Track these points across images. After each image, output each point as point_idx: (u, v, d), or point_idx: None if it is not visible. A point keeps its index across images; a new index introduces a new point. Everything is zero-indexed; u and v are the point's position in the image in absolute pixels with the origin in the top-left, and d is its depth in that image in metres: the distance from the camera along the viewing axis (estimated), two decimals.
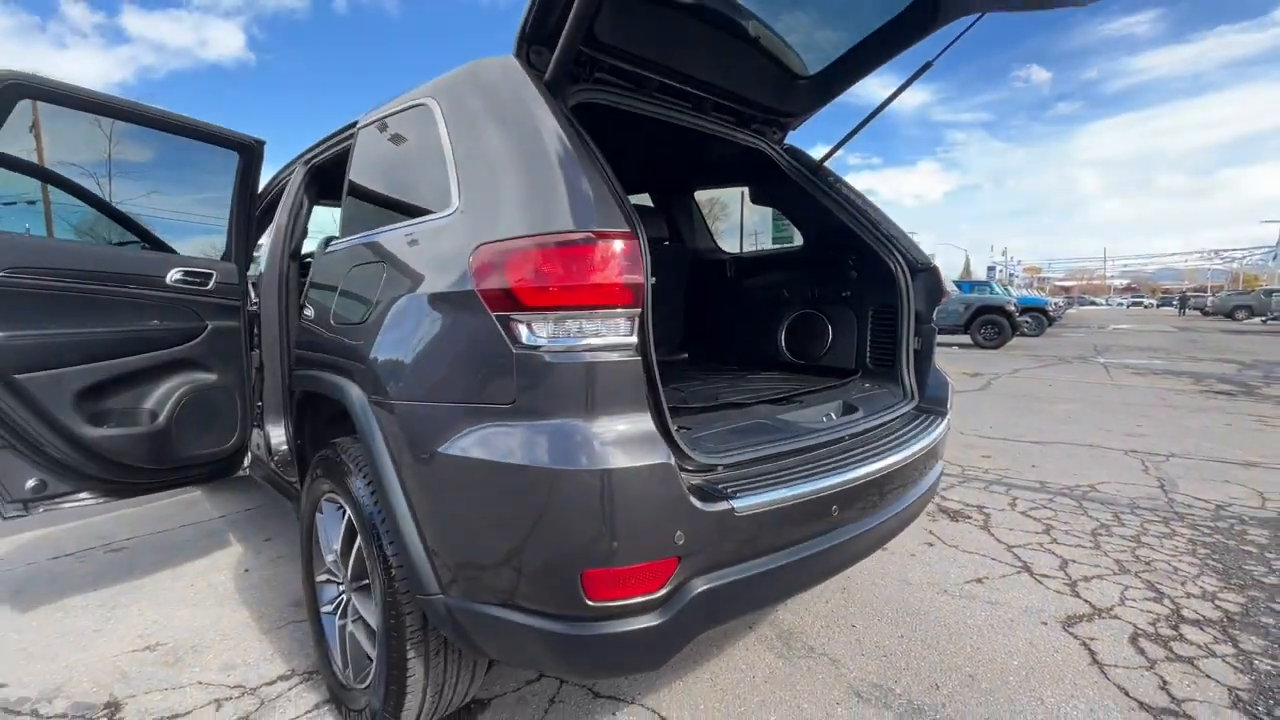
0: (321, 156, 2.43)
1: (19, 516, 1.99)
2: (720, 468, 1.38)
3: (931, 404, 2.11)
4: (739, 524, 1.25)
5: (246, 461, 2.59)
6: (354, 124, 2.16)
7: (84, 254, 2.04)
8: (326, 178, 2.64)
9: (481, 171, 1.42)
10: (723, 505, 1.23)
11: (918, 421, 1.96)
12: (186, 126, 2.19)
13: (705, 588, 1.23)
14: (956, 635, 2.15)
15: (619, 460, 1.14)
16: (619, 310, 1.19)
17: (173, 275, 2.22)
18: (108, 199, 2.30)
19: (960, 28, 1.94)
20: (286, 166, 2.87)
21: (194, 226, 2.69)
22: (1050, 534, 3.05)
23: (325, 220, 3.60)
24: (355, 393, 1.54)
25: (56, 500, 2.07)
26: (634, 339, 1.21)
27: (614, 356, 1.19)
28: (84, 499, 2.13)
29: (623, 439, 1.17)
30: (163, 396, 2.21)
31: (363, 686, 1.63)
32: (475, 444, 1.23)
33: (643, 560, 1.15)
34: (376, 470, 1.45)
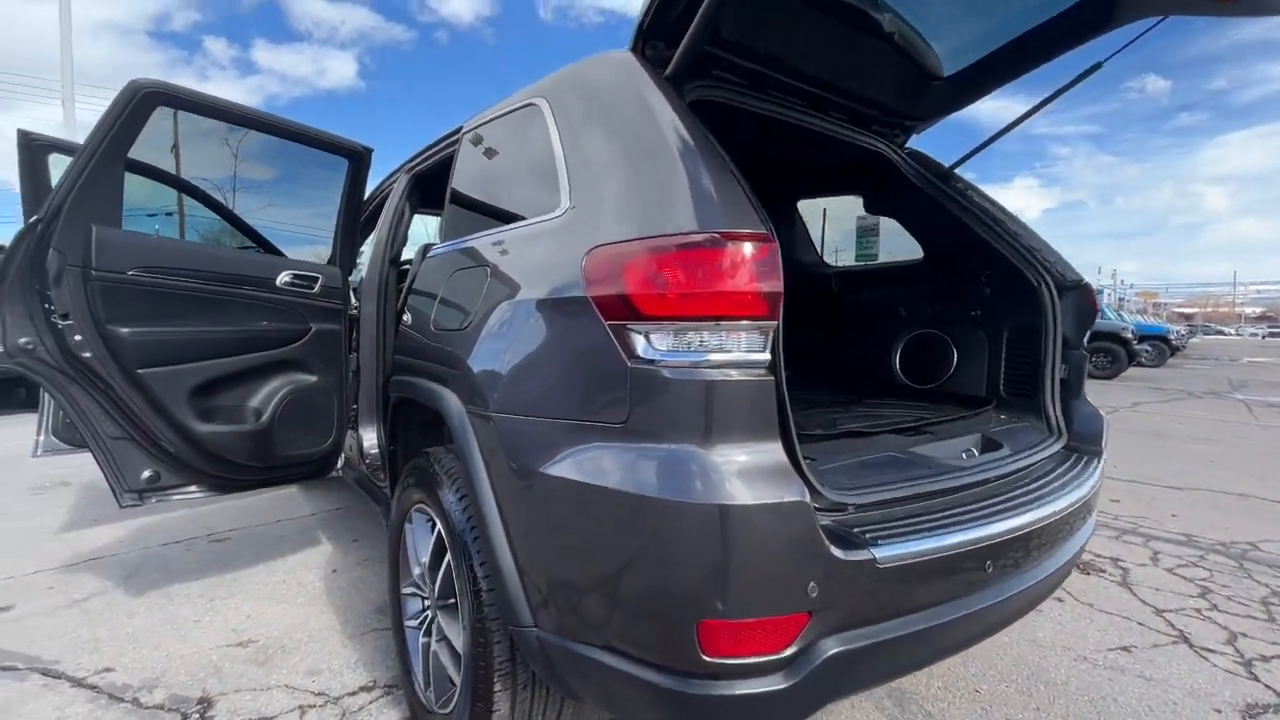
0: (425, 164, 2.45)
1: (134, 506, 2.06)
2: (851, 507, 1.20)
3: (1082, 442, 1.83)
4: (881, 577, 1.06)
5: (340, 463, 2.62)
6: (459, 130, 2.15)
7: (206, 255, 2.11)
8: (428, 186, 2.65)
9: (595, 170, 1.32)
10: (862, 554, 1.05)
11: (1071, 463, 1.69)
12: (304, 134, 2.25)
13: (838, 650, 1.05)
14: (1106, 716, 1.84)
15: (747, 494, 0.99)
16: (749, 322, 1.05)
17: (283, 278, 2.27)
18: (229, 208, 2.40)
19: (1137, 30, 1.67)
20: (389, 176, 2.93)
21: (301, 236, 2.79)
22: (1207, 598, 2.62)
23: (418, 231, 3.65)
24: (453, 402, 1.47)
25: (168, 492, 2.14)
26: (765, 356, 1.06)
27: (742, 375, 1.04)
28: (193, 492, 2.19)
29: (750, 469, 1.02)
30: (267, 396, 2.25)
31: (444, 712, 1.54)
32: (581, 465, 1.11)
33: (770, 613, 1.00)
34: (471, 485, 1.37)
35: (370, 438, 2.67)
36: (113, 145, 1.82)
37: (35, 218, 1.76)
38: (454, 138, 2.17)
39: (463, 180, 1.98)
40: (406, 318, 1.99)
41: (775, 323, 1.06)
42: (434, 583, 1.63)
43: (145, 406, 1.99)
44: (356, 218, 2.49)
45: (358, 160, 2.42)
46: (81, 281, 1.82)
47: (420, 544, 1.75)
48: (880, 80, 1.97)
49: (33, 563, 2.77)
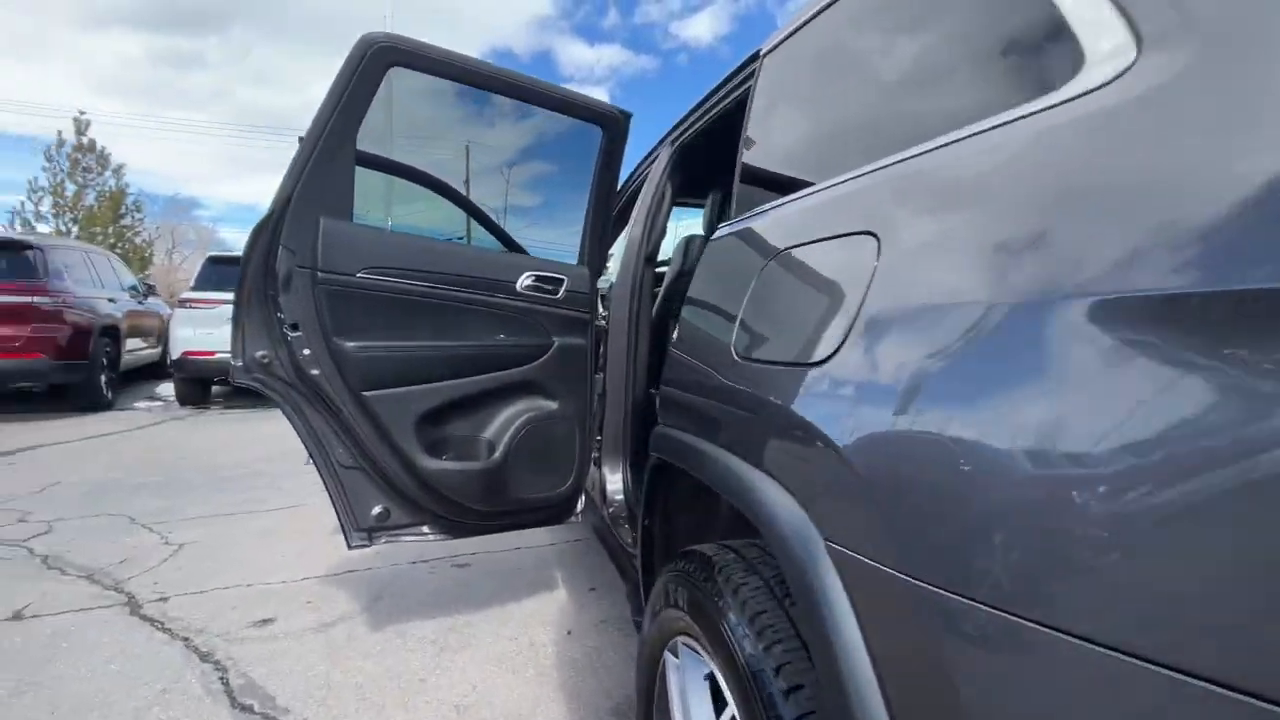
0: (700, 124, 1.82)
1: (361, 546, 1.77)
2: None
3: None
4: None
5: (579, 507, 2.13)
6: (753, 58, 1.46)
7: (443, 252, 1.75)
8: (697, 161, 2.03)
9: None
10: None
11: None
12: (552, 96, 1.78)
13: None
14: None
15: None
16: None
17: (524, 281, 1.83)
18: (461, 192, 2.05)
19: None
20: (646, 157, 2.40)
21: (538, 230, 2.38)
22: None
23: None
24: (786, 512, 0.76)
25: (398, 532, 1.83)
26: None
27: None
28: (424, 533, 1.86)
29: None
30: (501, 426, 1.83)
31: None
32: None
33: None
34: (820, 655, 0.65)
35: (615, 480, 2.12)
36: (343, 118, 1.51)
37: (268, 210, 1.50)
38: (745, 72, 1.49)
39: (780, 117, 1.28)
40: (679, 334, 1.35)
41: None
42: None
43: (372, 434, 1.66)
44: (610, 202, 1.97)
45: (614, 128, 1.90)
46: (310, 285, 1.54)
47: (690, 701, 1.08)
48: None
49: (305, 566, 2.81)
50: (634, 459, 2.21)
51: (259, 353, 1.59)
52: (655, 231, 2.08)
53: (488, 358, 1.76)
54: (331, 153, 1.51)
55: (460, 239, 2.07)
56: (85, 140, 20.58)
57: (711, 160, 2.04)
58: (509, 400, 1.83)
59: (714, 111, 1.75)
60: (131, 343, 7.46)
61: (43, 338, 5.84)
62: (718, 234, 1.31)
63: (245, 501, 3.72)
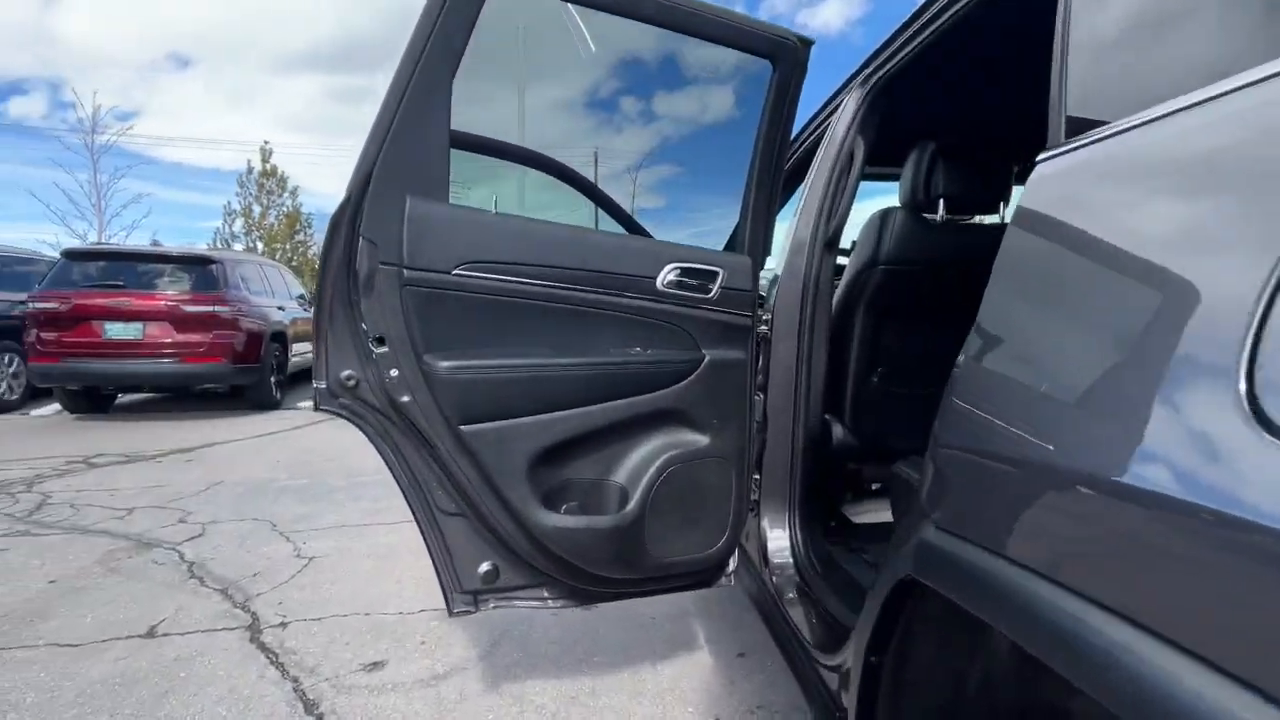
0: (914, 51, 1.26)
1: (466, 613, 1.41)
2: None
3: None
4: None
5: (731, 566, 1.64)
6: None
7: (566, 243, 1.33)
8: (900, 109, 1.48)
9: None
10: None
11: None
12: (707, 20, 1.29)
13: None
14: None
15: None
16: None
17: (667, 275, 1.37)
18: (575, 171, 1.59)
19: None
20: (822, 110, 1.85)
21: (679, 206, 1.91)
22: None
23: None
24: None
25: (509, 595, 1.45)
26: None
27: None
28: (545, 598, 1.47)
29: None
30: (636, 468, 1.39)
31: None
32: None
33: None
34: None
35: (779, 536, 1.62)
36: (433, 64, 1.14)
37: (345, 194, 1.17)
38: None
39: None
40: (978, 367, 0.79)
41: None
42: None
43: (475, 478, 1.29)
44: (780, 163, 1.44)
45: (788, 60, 1.37)
46: (396, 287, 1.19)
47: None
48: None
49: (423, 595, 2.58)
50: (803, 508, 1.68)
51: (344, 373, 1.27)
52: (840, 207, 1.54)
53: (619, 379, 1.33)
54: (420, 109, 1.15)
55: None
56: (268, 166, 23.49)
57: (924, 104, 1.47)
58: (646, 434, 1.39)
59: (943, 26, 1.19)
60: (298, 347, 8.09)
61: (222, 343, 6.40)
62: (1070, 159, 0.72)
63: (377, 511, 3.65)
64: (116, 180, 21.06)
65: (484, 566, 1.41)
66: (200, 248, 7.10)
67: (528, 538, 1.32)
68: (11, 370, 6.94)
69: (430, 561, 1.41)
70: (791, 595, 1.55)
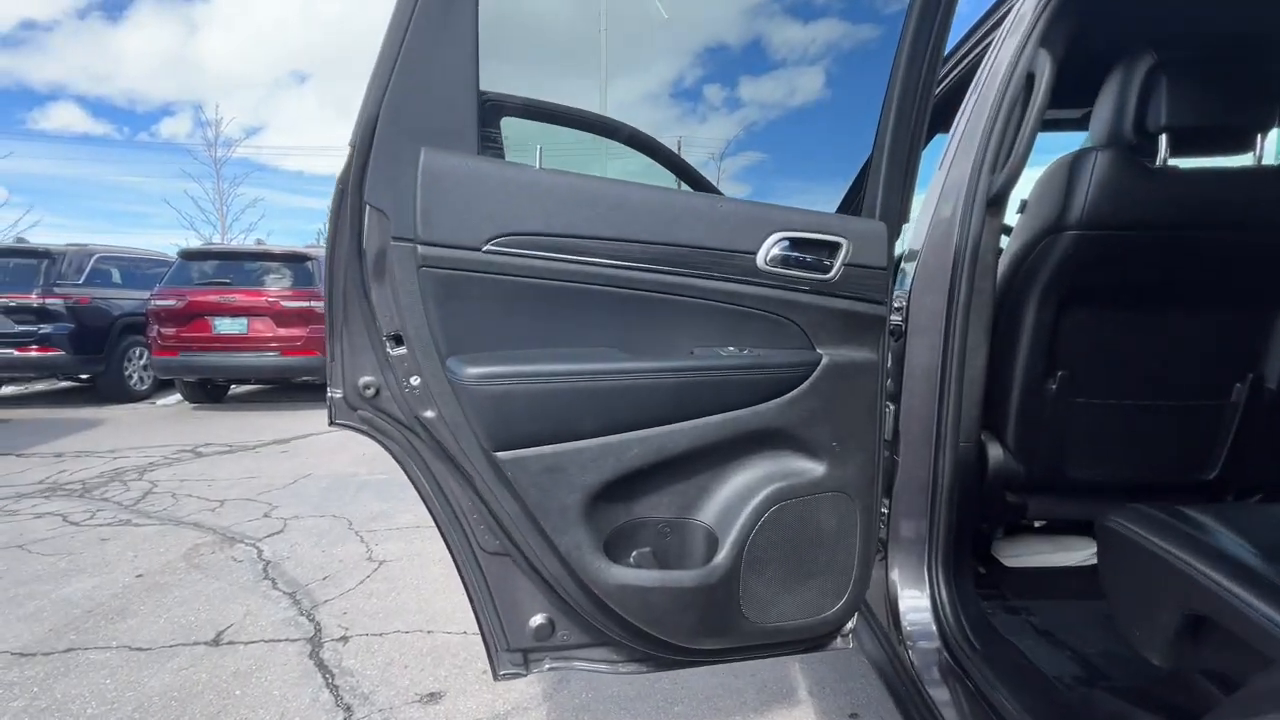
0: None
1: (514, 676, 1.13)
2: None
3: None
4: None
5: (849, 625, 1.26)
6: None
7: (635, 208, 1.00)
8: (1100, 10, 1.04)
9: None
10: None
11: None
12: None
13: None
14: None
15: None
16: None
17: (771, 249, 1.02)
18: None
19: None
20: (986, 17, 1.40)
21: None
22: None
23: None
24: None
25: (569, 655, 1.16)
26: None
27: None
28: (613, 660, 1.17)
29: None
30: (730, 507, 1.05)
31: None
32: None
33: None
34: None
35: (917, 594, 1.24)
36: None
37: (349, 151, 0.90)
38: None
39: None
40: None
41: None
42: None
43: (520, 517, 1.00)
44: (928, 85, 1.03)
45: None
46: (412, 268, 0.91)
47: None
48: None
49: None
50: (948, 555, 1.28)
51: (363, 379, 1.02)
52: (1017, 150, 1.11)
53: (706, 390, 0.99)
54: (437, 27, 0.86)
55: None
56: None
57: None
58: (742, 462, 1.05)
59: None
60: None
61: (319, 337, 6.62)
62: None
63: None
64: (235, 188, 23.03)
65: (537, 619, 1.13)
66: (301, 248, 7.35)
67: (585, 594, 1.02)
68: (142, 363, 7.53)
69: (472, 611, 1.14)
70: (937, 677, 1.16)
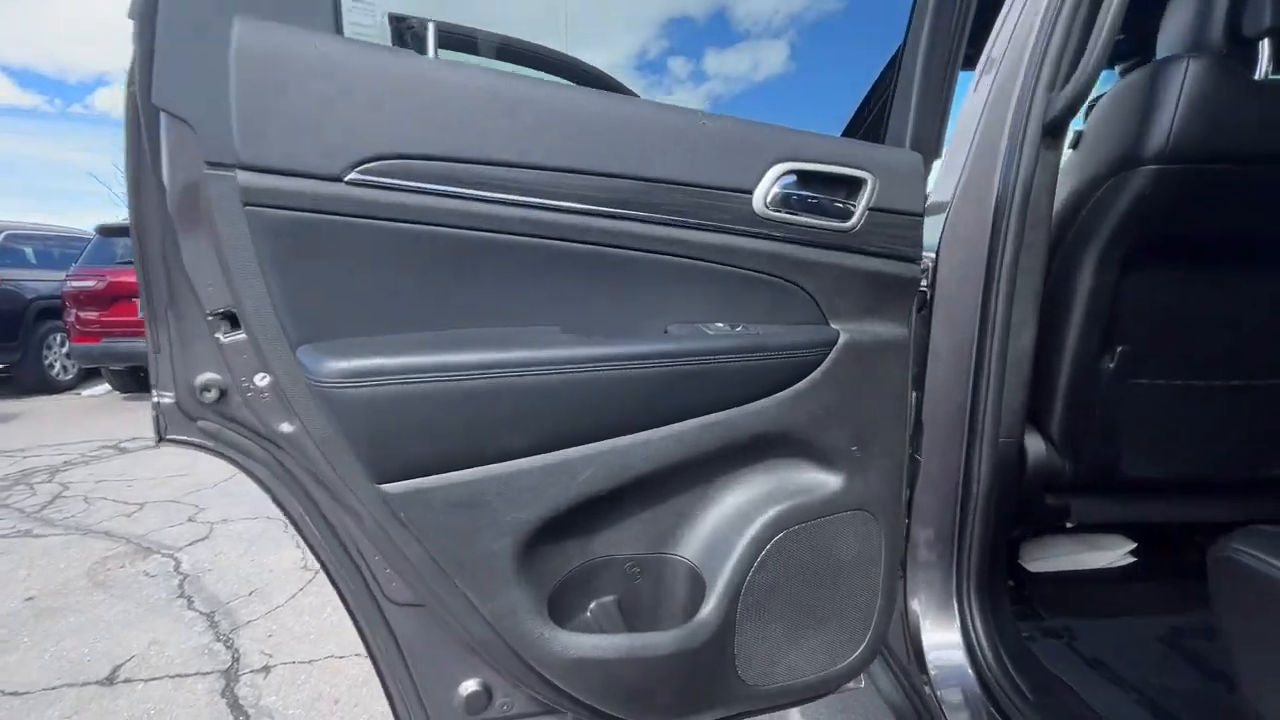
0: None
1: None
2: None
3: None
4: None
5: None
6: None
7: (584, 120, 0.69)
8: None
9: None
10: None
11: None
12: None
13: None
14: None
15: None
16: None
17: (771, 187, 0.73)
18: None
19: None
20: None
21: None
22: None
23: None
24: None
25: None
26: None
27: None
28: None
29: None
30: (720, 537, 0.78)
31: None
32: None
33: None
34: None
35: (946, 629, 0.99)
36: None
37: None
38: None
39: None
40: None
41: None
42: None
43: (431, 566, 0.71)
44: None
45: None
46: (237, 209, 0.59)
47: None
48: None
49: None
50: (981, 574, 1.05)
51: (201, 378, 0.71)
52: (1085, 66, 0.84)
53: (685, 382, 0.71)
54: None
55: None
56: None
57: None
58: (734, 477, 0.78)
59: None
60: None
61: None
62: None
63: None
64: None
65: (469, 686, 0.85)
66: None
67: (524, 667, 0.74)
68: (64, 350, 6.91)
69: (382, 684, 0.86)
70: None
